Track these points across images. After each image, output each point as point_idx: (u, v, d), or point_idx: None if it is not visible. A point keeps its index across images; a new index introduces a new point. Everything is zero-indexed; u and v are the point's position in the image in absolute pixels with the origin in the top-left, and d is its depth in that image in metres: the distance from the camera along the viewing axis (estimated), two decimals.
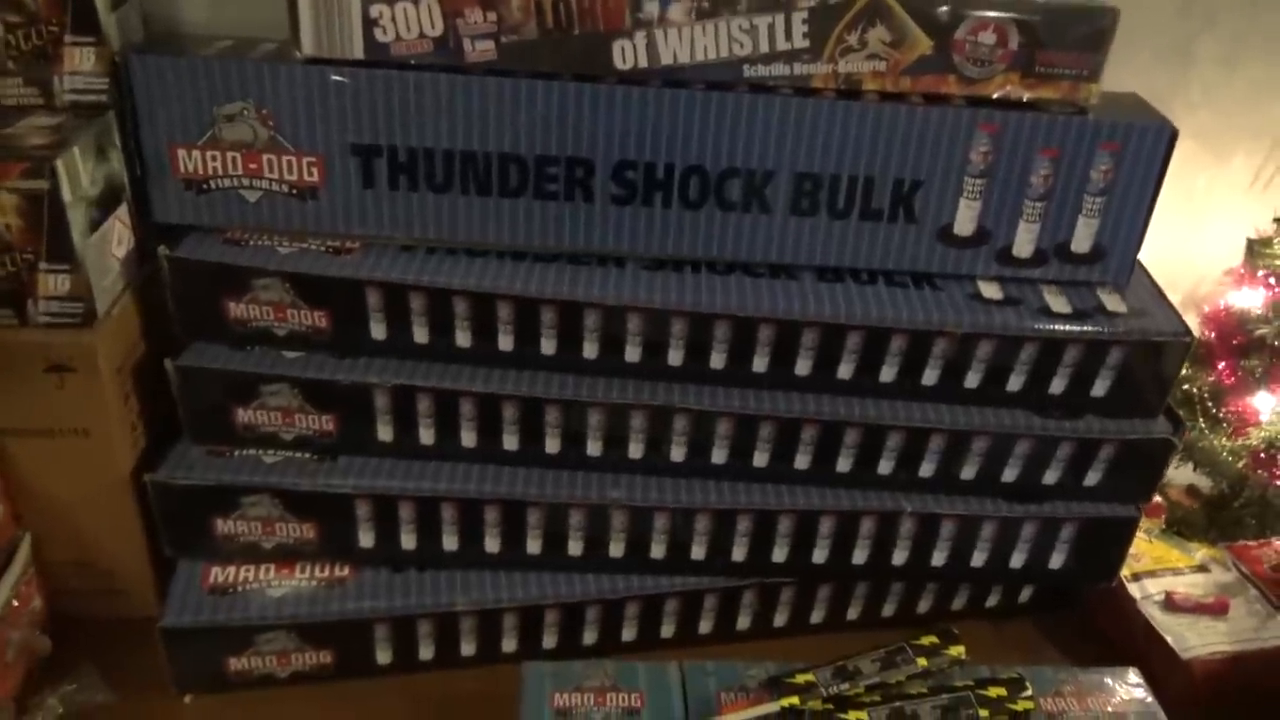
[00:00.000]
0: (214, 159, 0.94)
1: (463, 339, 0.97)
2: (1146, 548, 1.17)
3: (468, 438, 1.00)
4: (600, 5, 0.91)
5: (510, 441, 1.01)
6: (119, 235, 0.96)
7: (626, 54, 0.92)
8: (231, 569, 1.02)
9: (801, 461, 1.03)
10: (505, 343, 0.97)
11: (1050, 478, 1.05)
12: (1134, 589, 1.12)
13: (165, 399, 0.99)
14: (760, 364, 0.99)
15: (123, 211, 0.97)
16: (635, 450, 1.02)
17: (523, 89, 0.92)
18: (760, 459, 1.03)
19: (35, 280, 0.88)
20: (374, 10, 0.90)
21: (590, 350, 0.98)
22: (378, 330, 0.98)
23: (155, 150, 0.94)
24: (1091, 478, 1.05)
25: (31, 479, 0.96)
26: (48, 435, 0.93)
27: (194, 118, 0.92)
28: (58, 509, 0.98)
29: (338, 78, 0.91)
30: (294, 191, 0.96)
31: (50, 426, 0.93)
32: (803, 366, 0.99)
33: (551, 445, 1.01)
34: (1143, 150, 0.96)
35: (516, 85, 0.92)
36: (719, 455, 1.03)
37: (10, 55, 0.90)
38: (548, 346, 0.97)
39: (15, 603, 0.96)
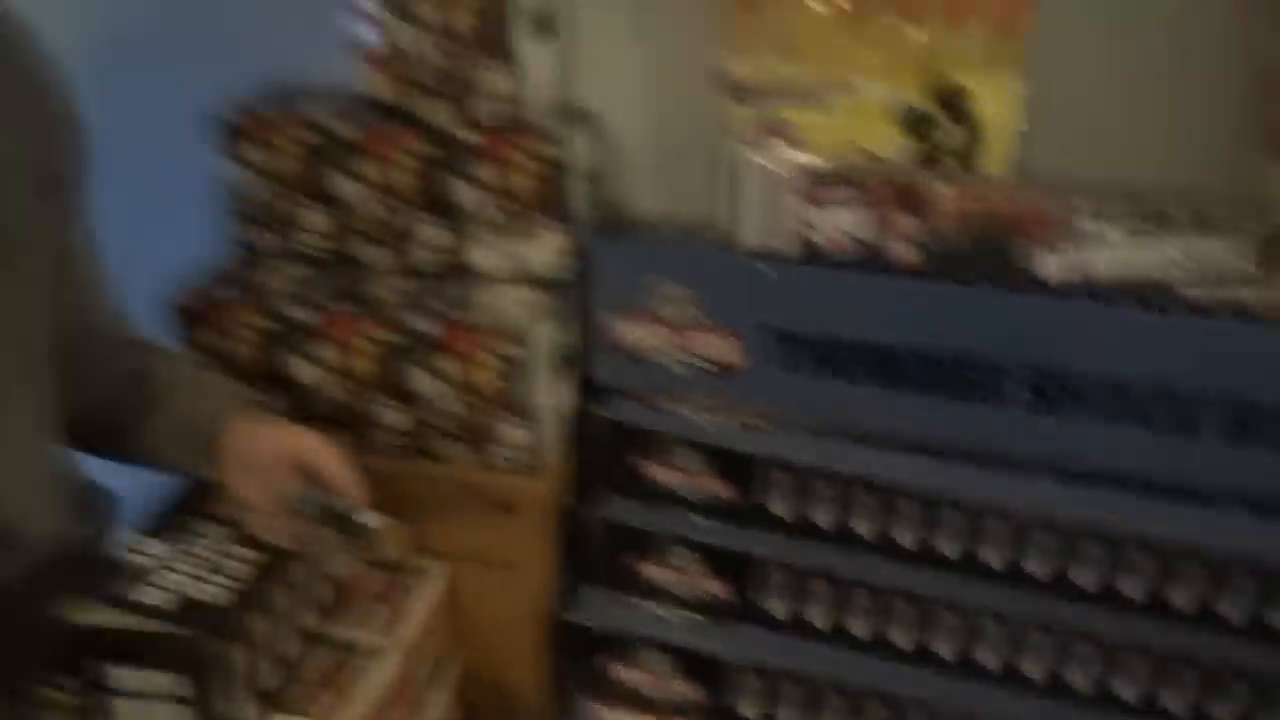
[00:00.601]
0: (648, 332, 1.05)
1: (863, 528, 0.99)
2: None
3: (858, 627, 1.01)
4: (1030, 218, 0.93)
5: (902, 639, 1.00)
6: (565, 394, 1.09)
7: (1054, 266, 0.93)
8: (622, 715, 1.09)
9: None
10: (905, 538, 0.98)
11: None
12: None
13: (579, 543, 1.09)
14: (1181, 600, 0.92)
15: (570, 374, 1.10)
16: (1034, 670, 0.97)
17: (944, 292, 0.95)
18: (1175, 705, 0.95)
19: (498, 430, 1.01)
20: (810, 213, 0.98)
21: (992, 558, 0.96)
22: (781, 507, 1.02)
23: (600, 320, 1.06)
24: None
25: (465, 602, 1.08)
26: (485, 565, 1.05)
27: (636, 294, 1.04)
28: (480, 631, 1.09)
29: (768, 270, 0.99)
30: (716, 368, 1.04)
31: (489, 558, 1.05)
32: (1231, 610, 0.91)
33: (945, 650, 0.99)
34: None
35: (938, 288, 0.95)
36: (1127, 692, 0.95)
37: (494, 232, 1.06)
38: (948, 548, 0.97)
39: (446, 715, 1.08)
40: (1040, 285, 0.94)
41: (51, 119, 0.79)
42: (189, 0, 1.18)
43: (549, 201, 1.04)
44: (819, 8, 0.96)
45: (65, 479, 0.84)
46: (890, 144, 0.99)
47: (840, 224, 0.98)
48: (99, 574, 0.81)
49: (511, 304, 1.03)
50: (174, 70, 1.18)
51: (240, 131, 1.06)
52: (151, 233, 1.08)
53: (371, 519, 0.86)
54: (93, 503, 0.87)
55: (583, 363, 1.09)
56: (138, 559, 0.84)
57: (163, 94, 1.16)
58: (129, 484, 0.93)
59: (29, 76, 0.78)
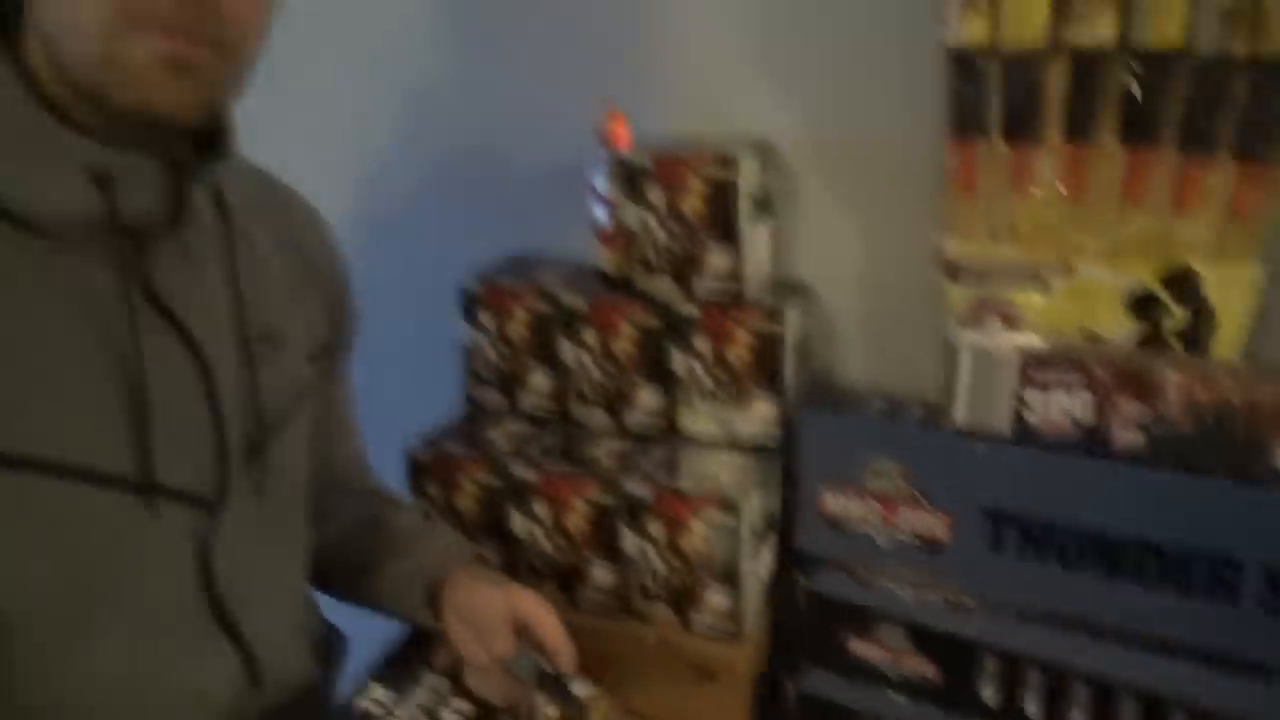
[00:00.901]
0: (856, 504, 1.05)
1: None
2: None
3: None
4: (1265, 407, 0.89)
5: None
6: (765, 561, 1.10)
7: None
8: None
9: None
10: None
11: None
12: None
13: (778, 714, 1.07)
14: None
15: (771, 540, 1.11)
16: None
17: (1171, 481, 0.91)
18: None
19: (701, 597, 1.03)
20: (1027, 394, 0.97)
21: None
22: (987, 693, 0.99)
23: (808, 490, 1.07)
24: None
25: None
26: None
27: (845, 466, 1.04)
28: None
29: (981, 448, 0.98)
30: (924, 544, 1.02)
31: None
32: None
33: None
34: None
35: (1164, 477, 0.91)
36: None
37: (708, 399, 1.10)
38: None
39: None
40: (1278, 477, 0.89)
41: (330, 296, 0.89)
42: (441, 183, 1.32)
43: (762, 372, 1.08)
44: (1038, 192, 0.97)
45: (310, 619, 0.91)
46: (1114, 326, 0.97)
47: (1059, 406, 0.96)
48: (330, 716, 0.86)
49: (721, 470, 1.06)
50: (425, 243, 1.31)
51: (479, 299, 1.15)
52: (397, 389, 1.18)
53: (583, 689, 0.89)
54: (328, 643, 0.94)
55: (788, 532, 1.10)
56: (364, 703, 0.89)
57: (415, 264, 1.28)
58: (354, 625, 1.00)
59: (314, 258, 0.88)
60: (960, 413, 1.00)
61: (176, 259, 0.72)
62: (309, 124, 1.29)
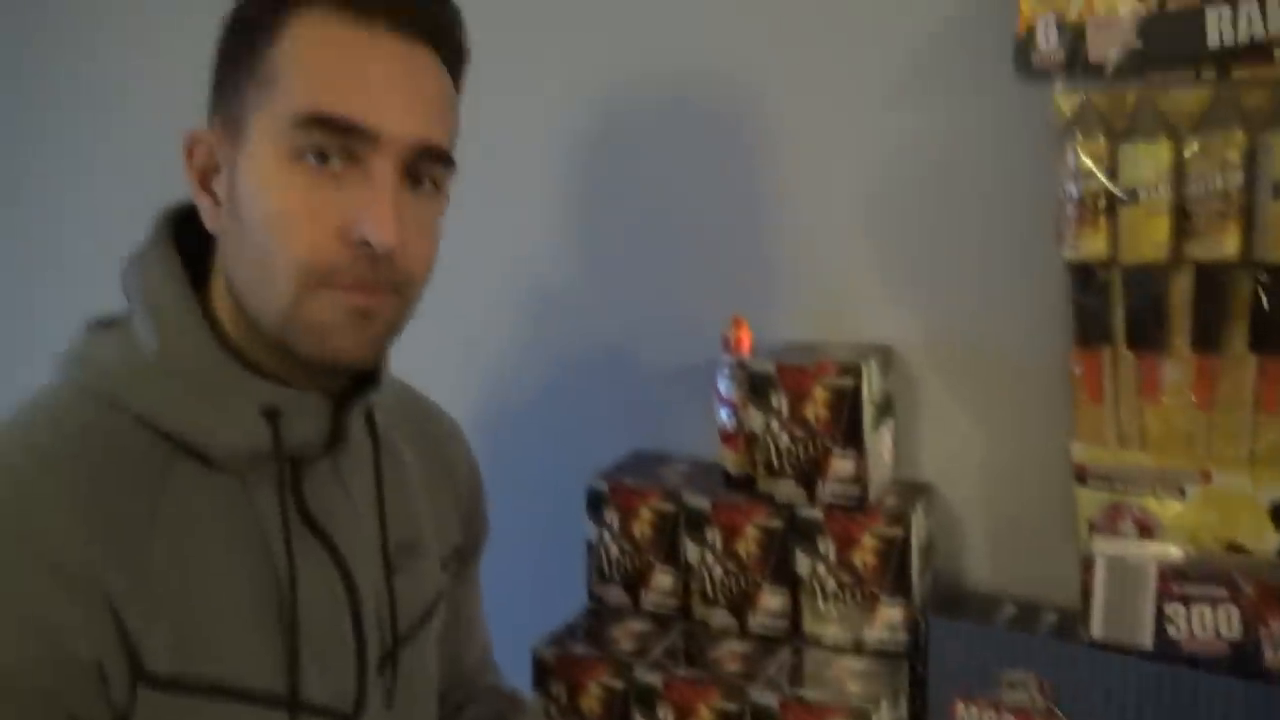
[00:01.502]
0: (991, 717, 1.01)
1: None
2: None
3: None
4: None
5: None
6: None
7: None
8: None
9: None
10: None
11: None
12: None
13: None
14: None
15: None
16: None
17: None
18: None
19: None
20: (1169, 608, 0.93)
21: None
22: None
23: (939, 700, 1.04)
24: None
25: None
26: None
27: (978, 678, 1.01)
28: None
29: (1123, 663, 0.94)
30: None
31: None
32: None
33: None
34: None
35: None
36: None
37: (833, 603, 1.09)
38: None
39: None
40: None
41: (465, 503, 0.93)
42: (568, 382, 1.37)
43: (888, 576, 1.06)
44: (1168, 399, 0.96)
45: None
46: (1258, 537, 0.94)
47: (1204, 620, 0.93)
48: None
49: (848, 678, 1.04)
50: (552, 440, 1.35)
51: (604, 497, 1.18)
52: (524, 585, 1.20)
53: None
54: None
55: None
56: None
57: (542, 461, 1.33)
58: None
59: (452, 468, 0.92)
60: (1097, 623, 0.97)
61: (329, 478, 0.76)
62: (440, 325, 1.36)
